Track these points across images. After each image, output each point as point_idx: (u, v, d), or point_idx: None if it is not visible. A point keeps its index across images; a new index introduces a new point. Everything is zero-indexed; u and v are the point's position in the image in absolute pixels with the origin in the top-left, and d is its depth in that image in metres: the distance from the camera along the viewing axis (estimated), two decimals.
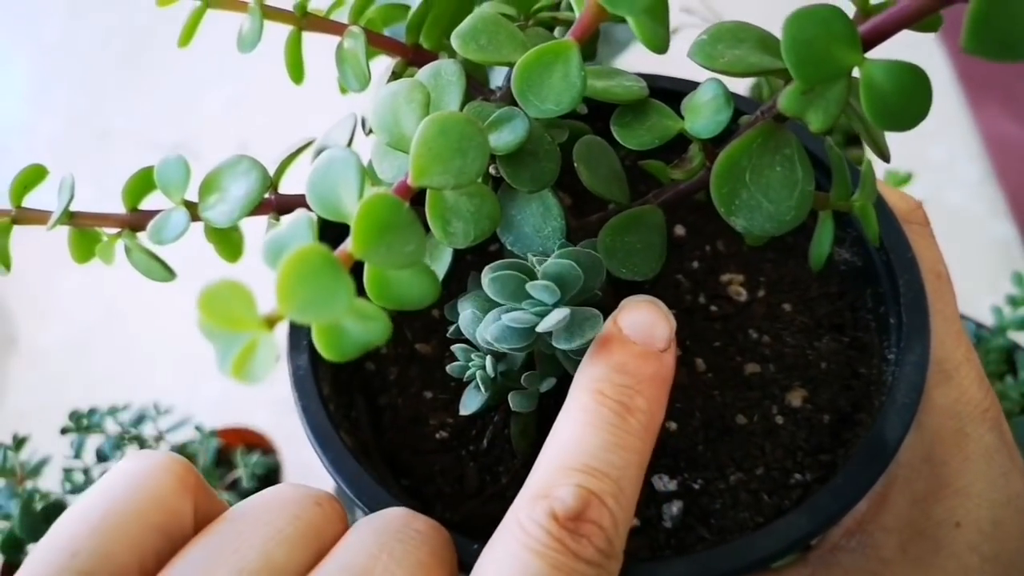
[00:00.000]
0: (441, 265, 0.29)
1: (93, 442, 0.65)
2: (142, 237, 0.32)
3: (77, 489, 0.64)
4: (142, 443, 0.66)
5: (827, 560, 0.31)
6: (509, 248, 0.28)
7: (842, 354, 0.34)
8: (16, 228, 0.34)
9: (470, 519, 0.31)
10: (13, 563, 0.60)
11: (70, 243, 0.33)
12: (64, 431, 0.65)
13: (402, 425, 0.34)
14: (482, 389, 0.30)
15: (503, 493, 0.32)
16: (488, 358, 0.30)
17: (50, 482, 0.64)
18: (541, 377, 0.30)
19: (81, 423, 0.65)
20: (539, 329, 0.26)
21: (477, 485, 0.32)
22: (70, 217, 0.32)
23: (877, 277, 0.33)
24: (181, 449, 0.67)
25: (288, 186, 0.33)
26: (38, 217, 0.33)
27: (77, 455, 0.65)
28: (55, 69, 1.12)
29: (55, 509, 0.64)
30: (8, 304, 0.90)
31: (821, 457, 0.31)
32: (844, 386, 0.33)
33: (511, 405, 0.30)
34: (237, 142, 1.03)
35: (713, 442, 0.32)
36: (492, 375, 0.30)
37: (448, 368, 0.31)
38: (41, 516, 0.63)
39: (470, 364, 0.30)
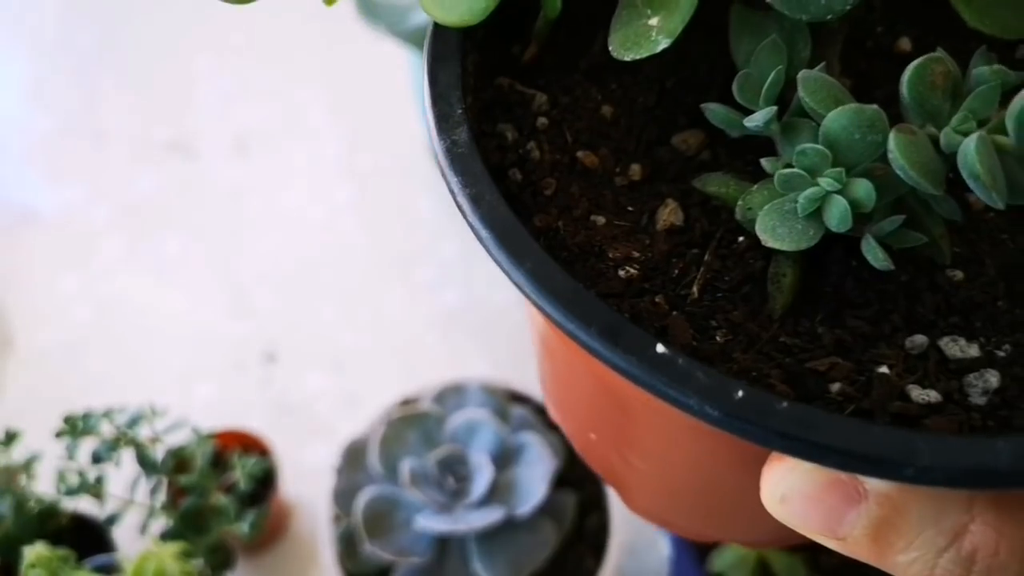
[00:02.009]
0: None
1: (89, 444, 0.64)
2: None
3: (72, 491, 0.63)
4: (138, 446, 0.65)
5: None
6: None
7: None
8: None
9: None
10: (8, 563, 0.59)
11: None
12: (59, 434, 0.64)
13: (569, 257, 0.26)
14: (832, 222, 0.22)
15: (724, 352, 0.24)
16: (863, 183, 0.22)
17: (45, 484, 0.63)
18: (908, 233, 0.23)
19: (76, 425, 0.64)
20: None
21: (687, 342, 0.24)
22: None
23: None
24: (178, 452, 0.66)
25: None
26: None
27: (71, 457, 0.64)
28: (50, 67, 1.11)
29: (49, 512, 0.63)
30: (4, 305, 0.90)
31: None
32: None
33: (867, 256, 0.23)
34: (234, 138, 1.03)
35: (1019, 298, 0.25)
36: (868, 210, 0.22)
37: (779, 173, 0.23)
38: (36, 519, 0.62)
39: (821, 182, 0.22)
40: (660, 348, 0.21)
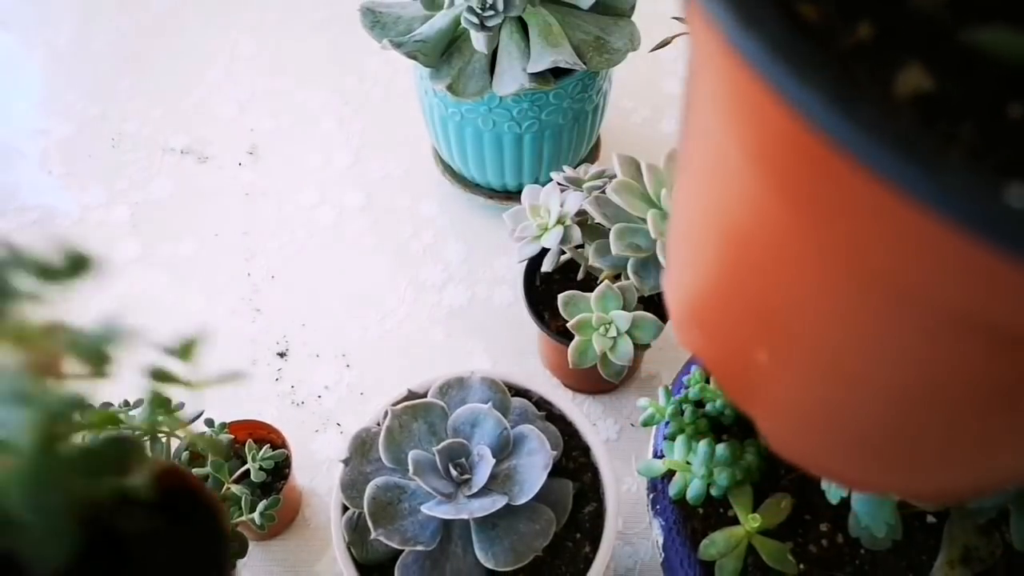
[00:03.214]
0: None
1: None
2: None
3: None
4: (154, 437, 0.68)
5: None
6: None
7: None
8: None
9: None
10: None
11: None
12: None
13: None
14: None
15: None
16: None
17: None
18: None
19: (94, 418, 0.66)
20: None
21: None
22: None
23: None
24: (192, 443, 0.68)
25: None
26: None
27: None
28: (67, 73, 1.13)
29: None
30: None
31: None
32: None
33: None
34: (246, 144, 1.05)
35: None
36: None
37: None
38: None
39: None
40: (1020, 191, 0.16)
